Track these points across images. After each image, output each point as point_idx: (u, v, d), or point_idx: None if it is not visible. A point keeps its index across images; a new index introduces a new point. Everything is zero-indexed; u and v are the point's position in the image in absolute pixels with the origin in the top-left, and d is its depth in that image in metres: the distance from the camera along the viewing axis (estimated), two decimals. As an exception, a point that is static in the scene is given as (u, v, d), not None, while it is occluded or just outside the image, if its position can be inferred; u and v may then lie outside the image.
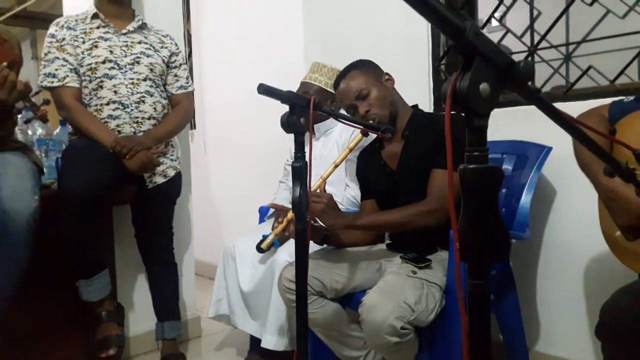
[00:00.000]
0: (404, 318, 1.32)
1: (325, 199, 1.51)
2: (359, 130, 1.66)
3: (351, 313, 1.66)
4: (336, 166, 1.62)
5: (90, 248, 1.81)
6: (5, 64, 1.50)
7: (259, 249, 1.91)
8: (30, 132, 2.15)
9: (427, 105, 2.20)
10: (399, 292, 1.37)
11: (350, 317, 1.68)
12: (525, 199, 1.70)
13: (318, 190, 1.56)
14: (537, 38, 1.94)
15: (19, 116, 2.15)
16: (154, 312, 2.16)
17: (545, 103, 0.72)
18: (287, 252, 1.84)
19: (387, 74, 1.76)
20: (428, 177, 1.58)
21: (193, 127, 3.65)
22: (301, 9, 2.79)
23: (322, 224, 1.60)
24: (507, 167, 1.84)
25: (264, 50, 3.04)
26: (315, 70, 2.18)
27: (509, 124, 1.84)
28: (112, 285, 1.93)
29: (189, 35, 3.61)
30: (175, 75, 2.14)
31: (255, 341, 2.01)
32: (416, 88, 2.21)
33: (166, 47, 2.12)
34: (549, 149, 1.73)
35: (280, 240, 1.89)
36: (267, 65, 2.99)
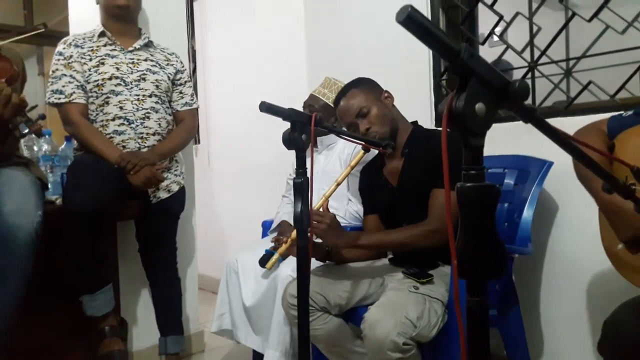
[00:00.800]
0: (406, 334, 1.32)
1: (327, 219, 1.51)
2: (360, 146, 1.68)
3: (354, 328, 1.66)
4: (338, 184, 1.64)
5: (95, 263, 1.82)
6: (2, 80, 1.53)
7: (261, 263, 1.91)
8: (35, 148, 2.17)
9: (428, 120, 2.21)
10: (401, 308, 1.37)
11: (354, 333, 1.68)
12: (527, 213, 1.70)
13: (321, 209, 1.56)
14: (537, 53, 1.95)
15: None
16: (157, 326, 2.16)
17: (541, 121, 0.74)
18: (289, 267, 1.84)
19: (386, 91, 1.77)
20: (427, 193, 1.59)
21: (197, 142, 3.68)
22: (303, 26, 2.83)
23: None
24: (508, 181, 1.85)
25: (267, 66, 3.08)
26: (326, 85, 2.21)
27: (510, 138, 1.85)
28: (115, 300, 1.93)
29: (194, 52, 3.66)
30: (180, 92, 2.17)
31: (258, 356, 2.00)
32: (417, 104, 2.23)
33: (172, 65, 2.15)
34: (550, 163, 1.73)
35: (283, 255, 1.89)
36: (270, 81, 3.02)
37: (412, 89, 2.25)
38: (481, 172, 0.65)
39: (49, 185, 1.95)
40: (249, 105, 3.11)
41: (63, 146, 2.19)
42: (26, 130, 1.60)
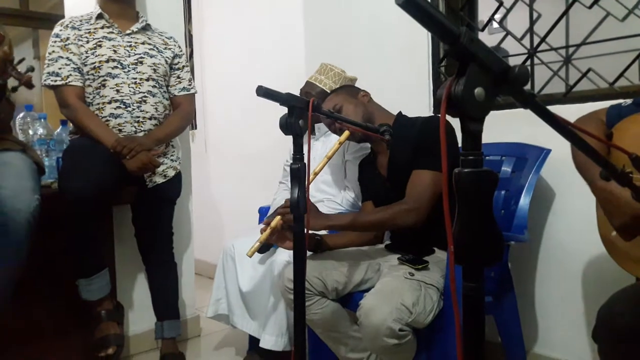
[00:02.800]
0: (402, 320, 1.33)
1: None
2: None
3: (351, 314, 1.67)
4: (328, 159, 1.63)
5: (91, 247, 1.82)
6: None
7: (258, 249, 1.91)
8: (31, 132, 2.16)
9: (426, 107, 2.20)
10: (397, 294, 1.38)
11: (351, 318, 1.69)
12: (524, 201, 1.70)
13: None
14: (536, 40, 1.94)
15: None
16: (153, 311, 2.16)
17: (540, 107, 0.73)
18: (286, 252, 1.84)
19: (364, 91, 1.86)
20: None
21: (194, 127, 3.66)
22: (302, 11, 2.80)
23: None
24: (506, 169, 1.85)
25: (265, 52, 3.05)
26: (322, 72, 2.19)
27: (508, 126, 1.84)
28: (111, 284, 1.93)
29: (190, 36, 3.62)
30: (178, 77, 2.15)
31: (254, 341, 2.02)
32: (416, 90, 2.22)
33: (169, 49, 2.13)
34: (548, 151, 1.73)
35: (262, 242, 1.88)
36: (268, 66, 3.00)
37: (411, 75, 2.24)
38: (479, 157, 0.64)
39: (45, 170, 1.94)
40: (247, 91, 3.08)
41: (59, 130, 2.18)
42: (16, 84, 1.60)
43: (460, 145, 0.68)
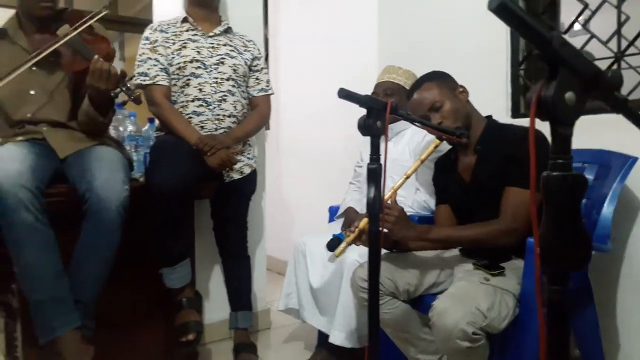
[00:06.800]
0: (476, 324, 1.32)
1: (396, 211, 1.53)
2: (432, 137, 1.66)
3: (421, 316, 1.68)
4: (407, 177, 1.63)
5: (175, 238, 1.93)
6: (101, 57, 1.68)
7: (329, 247, 1.96)
8: (121, 129, 2.33)
9: (504, 112, 2.16)
10: (471, 298, 1.37)
11: (422, 320, 1.69)
12: (608, 209, 1.63)
13: (389, 202, 1.57)
14: (624, 44, 1.86)
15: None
16: (228, 301, 2.27)
17: (633, 113, 0.72)
18: (356, 252, 1.87)
19: (461, 86, 1.74)
20: (501, 191, 1.56)
21: (267, 127, 3.77)
22: (376, 13, 2.82)
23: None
24: (588, 176, 1.78)
25: (339, 54, 3.10)
26: (392, 71, 2.20)
27: (591, 132, 1.76)
28: (191, 274, 2.04)
29: (266, 40, 3.74)
30: (257, 79, 2.25)
31: (323, 336, 2.06)
32: (493, 94, 2.18)
33: (249, 51, 2.23)
34: (635, 159, 1.65)
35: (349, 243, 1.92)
36: (340, 69, 3.04)
37: (488, 78, 2.20)
38: (569, 161, 0.65)
39: (134, 164, 2.09)
40: (318, 92, 3.18)
41: (146, 127, 2.34)
42: (127, 99, 1.76)
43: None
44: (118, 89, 1.73)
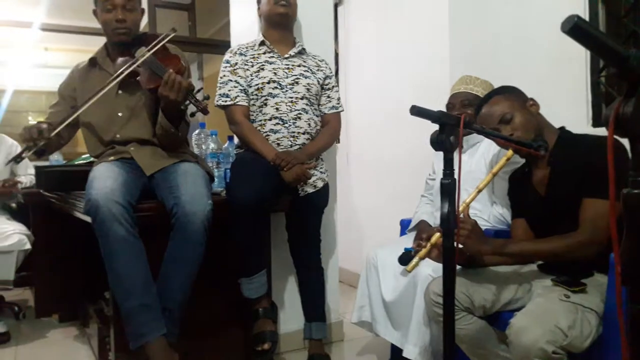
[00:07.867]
0: (556, 342, 1.28)
1: (469, 225, 1.51)
2: (504, 152, 1.63)
3: (498, 333, 1.64)
4: (479, 191, 1.61)
5: (253, 249, 2.02)
6: (173, 70, 1.82)
7: (401, 261, 1.96)
8: (204, 147, 2.48)
9: (584, 120, 2.08)
10: (550, 316, 1.33)
11: (499, 337, 1.65)
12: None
13: (462, 216, 1.55)
14: None
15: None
16: (302, 312, 2.33)
17: None
18: (430, 267, 1.86)
19: (531, 99, 1.71)
20: (578, 203, 1.51)
21: (337, 141, 3.83)
22: (447, 24, 2.80)
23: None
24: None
25: (409, 66, 3.10)
26: (469, 82, 2.18)
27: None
28: (268, 285, 2.12)
29: (336, 55, 3.82)
30: (328, 97, 2.32)
31: (396, 351, 2.06)
32: (572, 103, 2.11)
33: (321, 70, 2.31)
34: None
35: (421, 258, 1.91)
36: (410, 81, 3.04)
37: (565, 87, 2.13)
38: (650, 179, 0.64)
39: (215, 180, 2.22)
40: (388, 106, 3.20)
41: (226, 144, 2.47)
42: (194, 109, 1.89)
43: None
44: (187, 101, 1.85)
